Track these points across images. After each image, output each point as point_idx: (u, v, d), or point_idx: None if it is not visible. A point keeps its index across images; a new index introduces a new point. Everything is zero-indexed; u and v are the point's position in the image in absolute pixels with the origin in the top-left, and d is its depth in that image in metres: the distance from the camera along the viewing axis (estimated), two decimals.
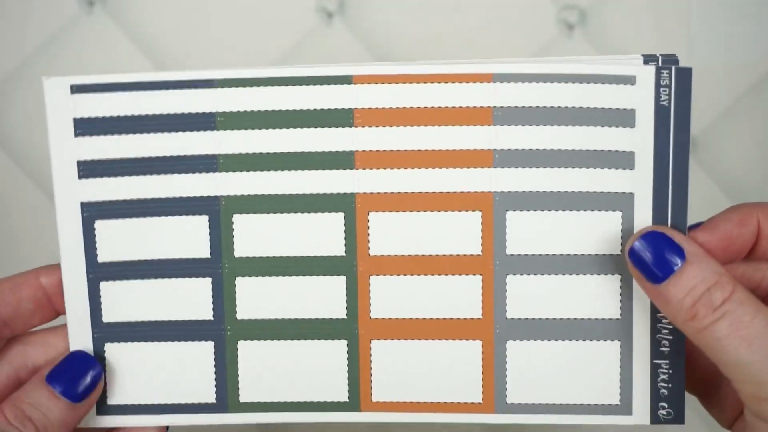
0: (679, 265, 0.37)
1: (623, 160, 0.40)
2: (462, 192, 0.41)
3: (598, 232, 0.40)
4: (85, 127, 0.41)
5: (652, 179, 0.40)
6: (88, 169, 0.41)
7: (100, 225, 0.42)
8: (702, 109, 0.58)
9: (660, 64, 0.40)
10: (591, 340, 0.41)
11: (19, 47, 0.59)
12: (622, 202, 0.40)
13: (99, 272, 0.42)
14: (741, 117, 0.59)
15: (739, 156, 0.59)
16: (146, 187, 0.41)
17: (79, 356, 0.42)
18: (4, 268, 0.58)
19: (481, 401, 0.41)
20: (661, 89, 0.39)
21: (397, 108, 0.40)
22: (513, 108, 0.40)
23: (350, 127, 0.41)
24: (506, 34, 0.59)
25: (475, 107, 0.40)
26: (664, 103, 0.39)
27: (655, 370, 0.40)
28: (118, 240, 0.42)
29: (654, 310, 0.40)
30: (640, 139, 0.40)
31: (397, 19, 0.59)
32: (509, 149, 0.40)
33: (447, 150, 0.41)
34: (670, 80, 0.39)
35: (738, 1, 0.58)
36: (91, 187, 0.41)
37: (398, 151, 0.41)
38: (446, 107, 0.40)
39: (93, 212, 0.42)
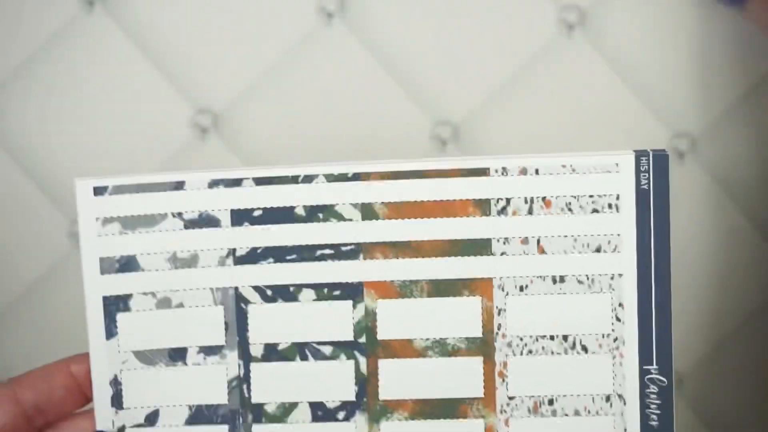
0: None
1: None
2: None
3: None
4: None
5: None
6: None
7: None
8: (702, 109, 0.58)
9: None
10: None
11: (19, 47, 0.59)
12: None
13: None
14: (741, 117, 0.59)
15: (739, 156, 0.59)
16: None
17: None
18: (4, 268, 0.59)
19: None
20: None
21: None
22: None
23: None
24: (506, 33, 0.59)
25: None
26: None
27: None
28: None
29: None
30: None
31: (397, 20, 0.59)
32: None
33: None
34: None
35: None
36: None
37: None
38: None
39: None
